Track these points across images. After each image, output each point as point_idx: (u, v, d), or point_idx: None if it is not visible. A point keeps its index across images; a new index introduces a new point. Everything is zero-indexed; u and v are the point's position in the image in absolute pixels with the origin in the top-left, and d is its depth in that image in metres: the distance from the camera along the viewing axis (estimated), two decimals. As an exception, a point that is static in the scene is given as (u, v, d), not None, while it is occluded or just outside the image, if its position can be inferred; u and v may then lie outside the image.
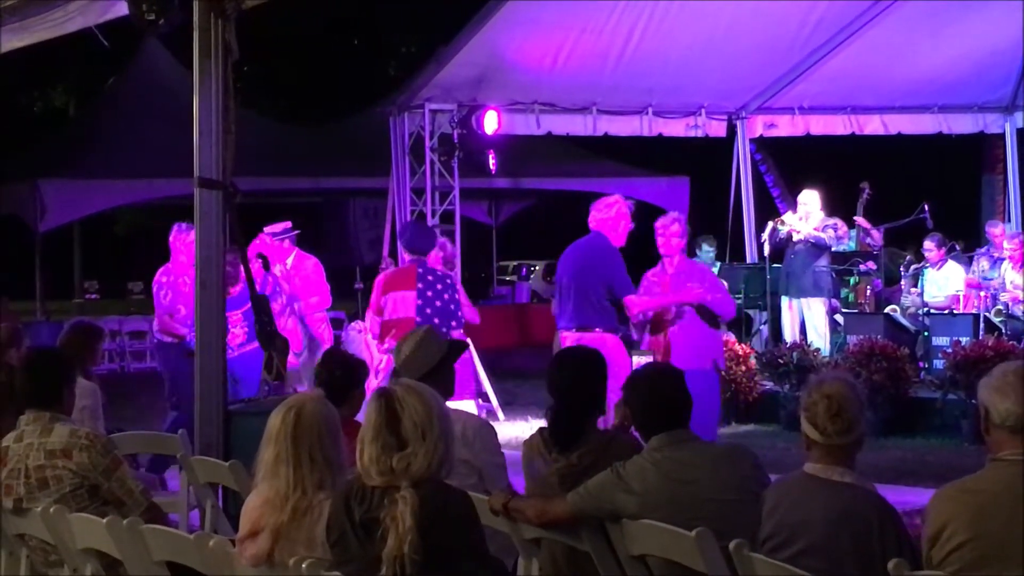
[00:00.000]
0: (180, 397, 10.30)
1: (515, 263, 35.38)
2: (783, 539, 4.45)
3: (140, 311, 23.83)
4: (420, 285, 10.39)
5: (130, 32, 9.38)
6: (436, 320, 10.04)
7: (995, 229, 15.79)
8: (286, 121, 26.36)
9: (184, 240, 10.85)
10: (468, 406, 11.54)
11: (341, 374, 6.37)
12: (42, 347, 8.56)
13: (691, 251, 16.47)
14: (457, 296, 10.75)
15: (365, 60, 36.01)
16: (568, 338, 9.75)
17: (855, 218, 15.61)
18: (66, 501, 5.59)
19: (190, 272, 10.58)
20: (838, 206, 15.76)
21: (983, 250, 15.53)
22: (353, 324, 13.86)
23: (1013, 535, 3.89)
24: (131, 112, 21.83)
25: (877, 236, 15.77)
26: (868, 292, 14.74)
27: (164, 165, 17.96)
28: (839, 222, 15.19)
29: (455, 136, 15.35)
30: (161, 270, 11.27)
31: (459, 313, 10.59)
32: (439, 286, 10.47)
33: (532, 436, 5.67)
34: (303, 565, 4.30)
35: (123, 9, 7.88)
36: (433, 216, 15.46)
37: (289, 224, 12.96)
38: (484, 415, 12.34)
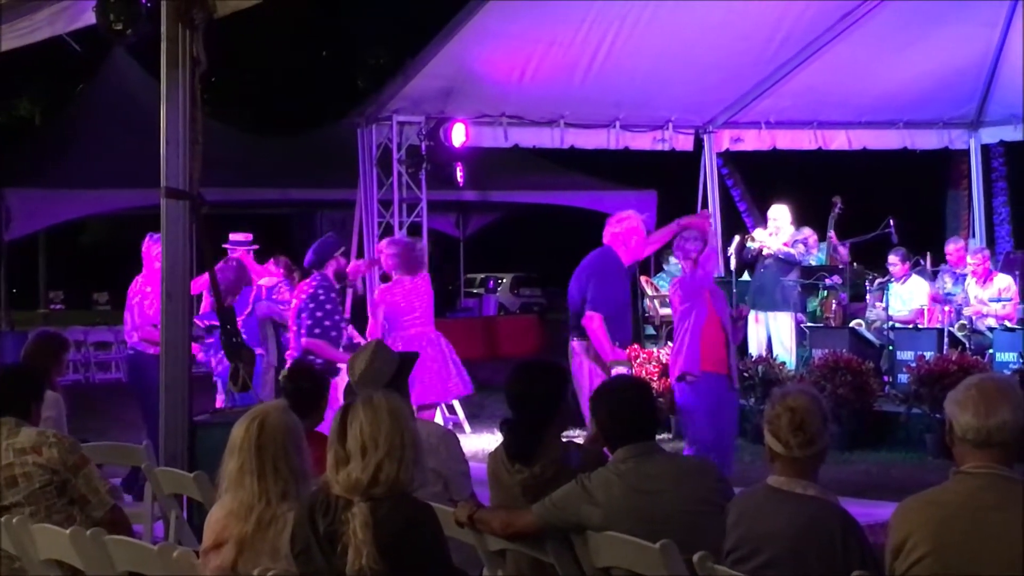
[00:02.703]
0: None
1: (482, 276, 35.43)
2: (747, 551, 4.46)
3: (105, 322, 23.76)
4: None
5: (98, 42, 9.36)
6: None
7: (951, 247, 15.87)
8: (254, 132, 26.30)
9: (159, 249, 10.75)
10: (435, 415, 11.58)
11: (308, 386, 6.38)
12: (12, 364, 8.55)
13: (659, 265, 16.59)
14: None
15: (333, 72, 35.99)
16: (573, 346, 10.18)
17: (829, 231, 15.69)
18: (35, 499, 5.62)
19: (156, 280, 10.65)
20: (805, 220, 15.83)
21: (945, 267, 15.63)
22: None
23: (975, 547, 3.91)
24: (98, 122, 21.74)
25: (844, 252, 15.87)
26: (834, 306, 14.80)
27: (131, 175, 17.90)
28: (809, 235, 15.32)
29: (423, 148, 15.35)
30: (138, 280, 11.17)
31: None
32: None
33: (496, 448, 5.68)
34: (267, 576, 4.30)
35: (91, 19, 7.87)
36: (400, 228, 15.46)
37: (251, 236, 12.98)
38: (451, 427, 12.35)
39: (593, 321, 9.88)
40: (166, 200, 7.71)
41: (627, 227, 10.31)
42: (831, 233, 15.62)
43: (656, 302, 15.63)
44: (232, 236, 12.47)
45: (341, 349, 10.38)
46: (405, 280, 10.97)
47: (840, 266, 15.16)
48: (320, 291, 10.27)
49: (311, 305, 10.20)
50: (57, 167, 20.58)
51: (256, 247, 13.31)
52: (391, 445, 4.26)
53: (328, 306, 10.26)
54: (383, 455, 4.24)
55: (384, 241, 11.75)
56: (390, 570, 4.15)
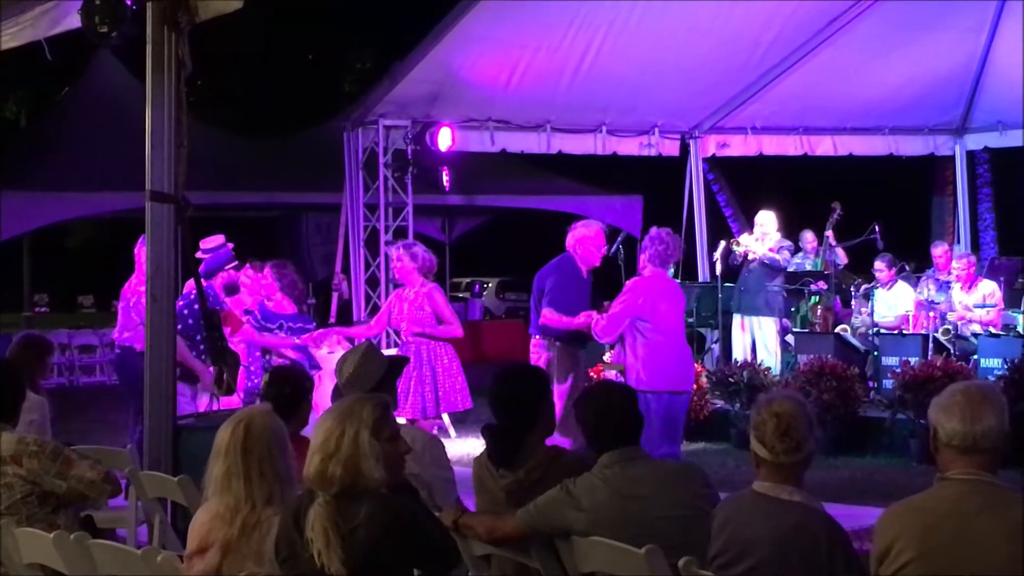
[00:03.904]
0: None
1: (468, 280, 35.40)
2: (732, 557, 4.46)
3: (90, 324, 23.70)
4: None
5: (82, 44, 9.33)
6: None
7: (938, 251, 15.90)
8: (239, 135, 26.22)
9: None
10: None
11: (289, 390, 6.37)
12: None
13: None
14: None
15: (320, 75, 35.93)
16: (532, 344, 10.64)
17: (826, 235, 15.77)
18: (16, 509, 5.60)
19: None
20: (790, 226, 15.89)
21: (929, 272, 15.66)
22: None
23: (960, 553, 3.91)
24: (83, 125, 21.67)
25: (842, 254, 16.00)
26: (820, 311, 14.82)
27: (116, 178, 17.85)
28: (811, 239, 15.57)
29: (409, 152, 15.34)
30: (132, 282, 11.17)
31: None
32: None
33: (481, 453, 5.67)
34: (251, 581, 4.29)
35: (76, 21, 7.85)
36: (386, 232, 15.44)
37: (223, 238, 12.95)
38: (435, 432, 12.33)
39: (545, 315, 10.15)
40: (151, 203, 7.68)
41: (577, 236, 10.60)
42: (828, 234, 15.69)
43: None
44: (203, 243, 12.41)
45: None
46: (435, 285, 11.22)
47: (827, 272, 15.20)
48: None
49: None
50: (42, 170, 20.51)
51: (231, 245, 13.30)
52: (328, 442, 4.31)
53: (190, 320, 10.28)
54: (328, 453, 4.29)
55: (402, 248, 11.54)
56: (364, 566, 4.16)
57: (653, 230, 10.12)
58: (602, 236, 10.71)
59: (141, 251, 10.94)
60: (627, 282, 10.15)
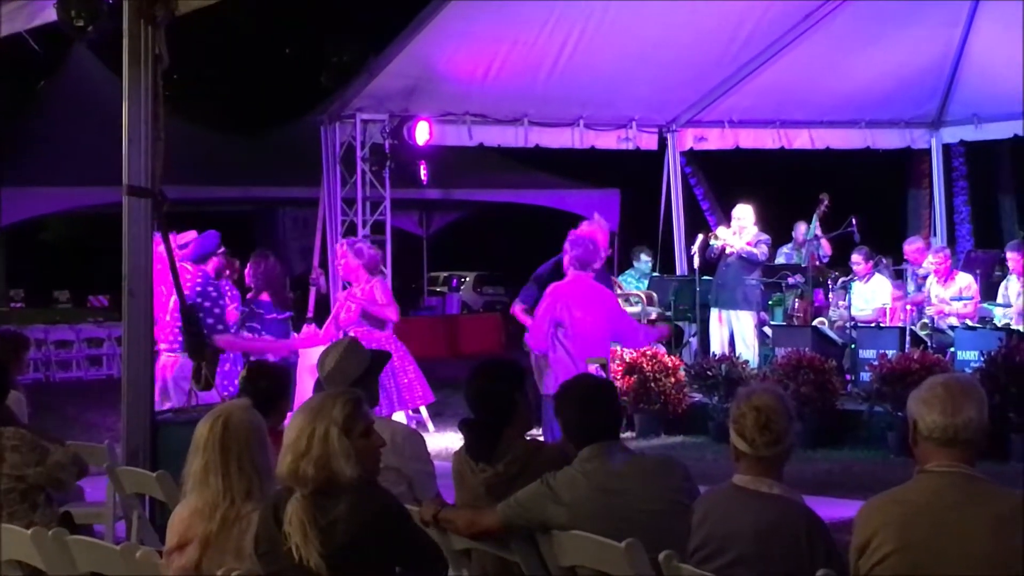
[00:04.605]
0: None
1: (445, 274, 35.34)
2: (712, 550, 4.47)
3: (66, 320, 23.59)
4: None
5: (59, 38, 9.30)
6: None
7: (911, 247, 15.98)
8: (216, 130, 26.17)
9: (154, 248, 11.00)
10: (398, 416, 11.57)
11: (266, 385, 6.37)
12: None
13: (628, 262, 16.67)
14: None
15: (296, 69, 35.85)
16: None
17: (813, 227, 15.85)
18: (-1, 505, 5.61)
19: (163, 280, 10.84)
20: (767, 219, 15.94)
21: (905, 265, 15.73)
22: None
23: (940, 546, 3.92)
24: (59, 119, 21.62)
25: (827, 247, 16.07)
26: (797, 304, 14.87)
27: (92, 173, 17.80)
28: (804, 230, 15.62)
29: (387, 146, 15.31)
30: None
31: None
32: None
33: (461, 447, 5.67)
34: (231, 576, 4.28)
35: (52, 15, 7.82)
36: (364, 226, 15.41)
37: (195, 233, 12.96)
38: (414, 426, 12.32)
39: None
40: (128, 198, 7.67)
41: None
42: (814, 226, 15.77)
43: (620, 301, 15.65)
44: (176, 239, 12.38)
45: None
46: (380, 280, 11.10)
47: (804, 266, 15.25)
48: (210, 287, 10.39)
49: (207, 304, 10.28)
50: (18, 164, 20.45)
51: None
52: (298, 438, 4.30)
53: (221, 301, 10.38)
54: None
55: (347, 245, 11.54)
56: (341, 560, 4.15)
57: (572, 233, 10.11)
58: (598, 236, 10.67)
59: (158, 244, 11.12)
60: (547, 288, 10.17)
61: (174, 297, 10.99)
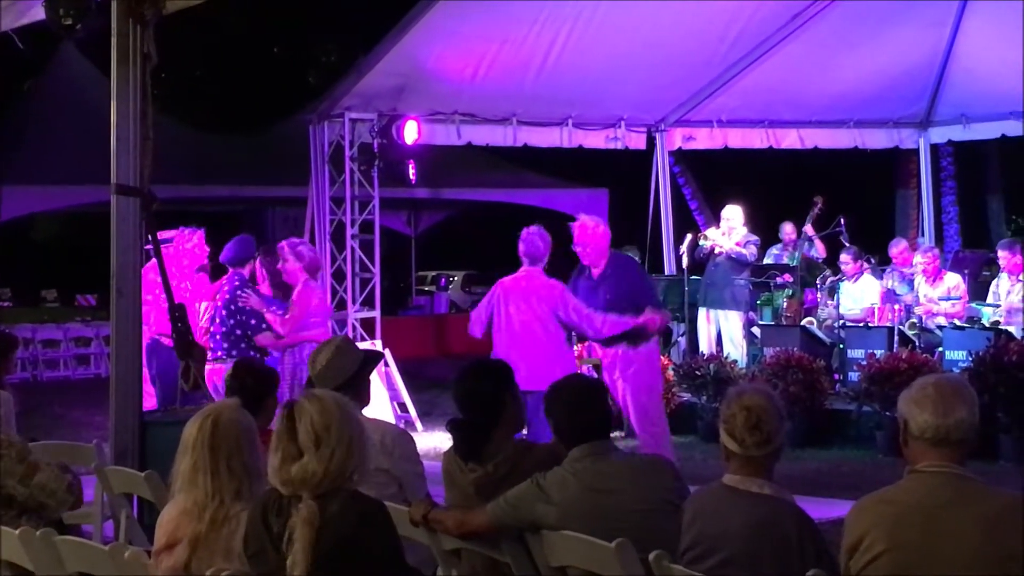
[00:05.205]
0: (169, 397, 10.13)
1: (434, 273, 35.35)
2: (703, 550, 4.46)
3: (54, 319, 23.55)
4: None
5: (46, 37, 9.28)
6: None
7: (895, 249, 16.01)
8: (205, 129, 26.13)
9: (186, 242, 11.48)
10: (386, 414, 11.55)
11: (253, 383, 6.35)
12: None
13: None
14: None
15: (285, 68, 35.83)
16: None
17: (805, 228, 15.89)
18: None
19: (188, 276, 10.90)
20: (756, 219, 15.96)
21: (893, 265, 15.76)
22: None
23: (930, 546, 3.92)
24: (47, 118, 21.56)
25: (821, 248, 16.11)
26: (786, 304, 14.88)
27: (80, 172, 17.76)
28: (790, 232, 15.74)
29: (375, 146, 15.28)
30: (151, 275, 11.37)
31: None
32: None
33: (450, 447, 5.66)
34: (220, 576, 4.26)
35: (40, 13, 7.80)
36: (352, 225, 15.38)
37: (175, 232, 13.02)
38: (403, 425, 12.32)
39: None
40: (116, 197, 7.65)
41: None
42: (808, 228, 15.81)
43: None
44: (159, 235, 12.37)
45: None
46: (316, 284, 10.94)
47: (793, 266, 15.28)
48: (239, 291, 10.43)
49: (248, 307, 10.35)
50: (5, 163, 20.39)
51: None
52: (342, 434, 4.23)
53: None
54: (335, 444, 4.21)
55: (288, 248, 11.37)
56: (337, 568, 4.12)
57: (524, 231, 10.17)
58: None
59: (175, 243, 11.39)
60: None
61: (205, 304, 11.09)
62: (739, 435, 4.44)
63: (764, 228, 16.63)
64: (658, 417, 10.19)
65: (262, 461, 4.60)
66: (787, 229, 16.52)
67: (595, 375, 9.77)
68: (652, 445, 9.67)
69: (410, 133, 15.02)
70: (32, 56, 18.43)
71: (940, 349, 13.55)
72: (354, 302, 15.25)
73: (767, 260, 15.99)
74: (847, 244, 15.54)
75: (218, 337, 10.44)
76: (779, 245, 16.54)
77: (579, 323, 9.87)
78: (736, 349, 14.64)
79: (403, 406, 14.62)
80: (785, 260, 15.93)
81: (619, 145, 17.30)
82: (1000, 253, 14.68)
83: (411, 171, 15.57)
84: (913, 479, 4.06)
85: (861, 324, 14.54)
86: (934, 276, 14.77)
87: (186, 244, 11.49)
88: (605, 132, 17.11)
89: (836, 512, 4.52)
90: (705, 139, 17.80)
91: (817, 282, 15.33)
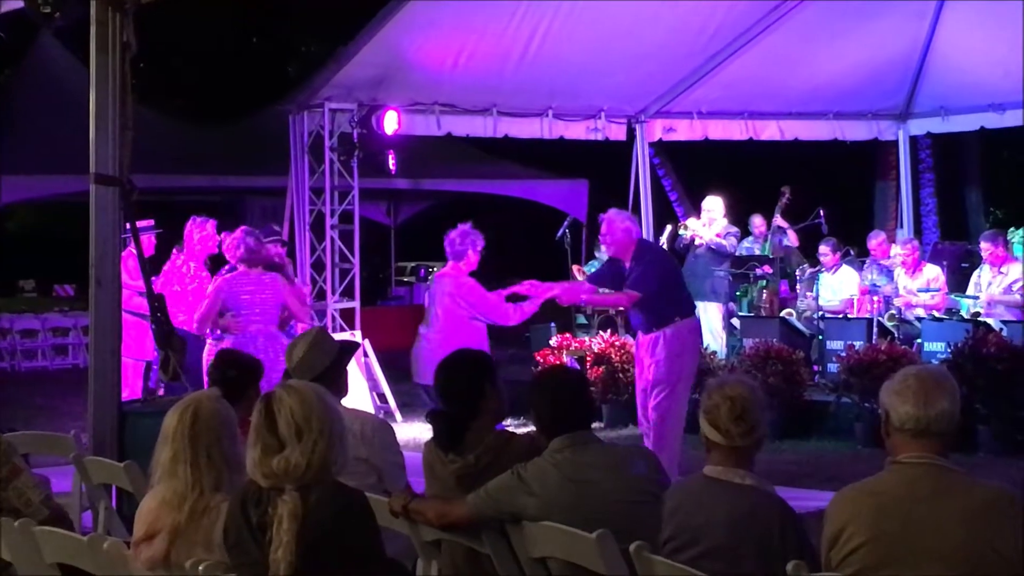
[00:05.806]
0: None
1: (413, 264, 35.30)
2: (684, 541, 4.47)
3: (32, 309, 23.46)
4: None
5: (24, 25, 9.23)
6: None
7: (873, 242, 16.05)
8: (184, 119, 26.04)
9: (200, 231, 12.03)
10: (366, 405, 11.54)
11: (235, 374, 6.33)
12: None
13: (591, 253, 16.68)
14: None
15: (264, 58, 35.71)
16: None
17: (774, 219, 15.90)
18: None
19: (178, 280, 11.01)
20: (736, 210, 15.98)
21: (871, 259, 15.80)
22: None
23: (911, 536, 3.92)
24: (25, 107, 21.44)
25: (794, 237, 16.13)
26: (765, 296, 14.90)
27: (59, 161, 17.67)
28: (760, 223, 15.74)
29: (355, 136, 15.23)
30: (178, 263, 11.64)
31: None
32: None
33: (430, 439, 5.65)
34: (200, 567, 4.24)
35: (18, 2, 7.76)
36: (332, 216, 15.35)
37: (152, 222, 13.07)
38: (382, 416, 12.30)
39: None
40: (95, 186, 7.61)
41: None
42: (777, 218, 15.82)
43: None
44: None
45: None
46: (252, 273, 10.76)
47: (773, 257, 15.29)
48: None
49: None
50: (-18, 152, 20.28)
51: (159, 231, 13.47)
52: (323, 424, 4.22)
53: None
54: (317, 435, 4.20)
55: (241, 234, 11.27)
56: (318, 559, 4.10)
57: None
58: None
59: (191, 233, 12.06)
60: None
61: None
62: (723, 425, 4.44)
63: (744, 219, 16.66)
64: (667, 411, 9.66)
65: (242, 452, 4.59)
66: (756, 221, 16.56)
67: (577, 367, 9.78)
68: (654, 435, 9.57)
69: (390, 123, 14.97)
70: (10, 45, 18.30)
71: (919, 341, 13.59)
72: (334, 292, 15.22)
73: (739, 253, 16.01)
74: (826, 235, 15.57)
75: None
76: (750, 238, 16.55)
77: (486, 312, 10.47)
78: (716, 340, 14.64)
79: (383, 396, 14.60)
80: (756, 252, 15.93)
81: (599, 136, 17.28)
82: (983, 244, 14.71)
83: (391, 161, 15.54)
84: (894, 470, 4.07)
85: (840, 316, 14.57)
86: (914, 268, 14.81)
87: (202, 232, 11.79)
88: (585, 123, 17.09)
89: (816, 503, 4.52)
90: (685, 130, 17.79)
91: (796, 273, 15.34)
